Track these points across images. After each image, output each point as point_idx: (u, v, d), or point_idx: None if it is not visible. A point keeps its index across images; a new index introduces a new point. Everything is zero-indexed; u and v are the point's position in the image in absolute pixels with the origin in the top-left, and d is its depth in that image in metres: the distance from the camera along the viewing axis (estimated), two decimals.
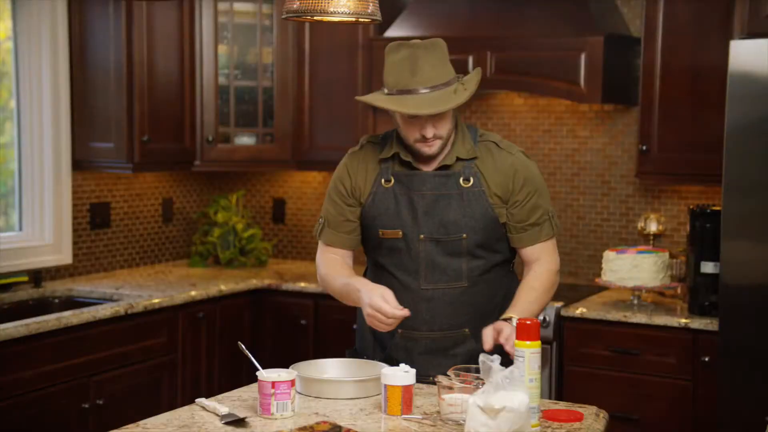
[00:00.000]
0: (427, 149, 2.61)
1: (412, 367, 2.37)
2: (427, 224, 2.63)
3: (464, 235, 2.62)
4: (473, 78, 2.61)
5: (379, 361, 2.70)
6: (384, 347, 2.76)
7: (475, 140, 2.68)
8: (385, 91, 2.58)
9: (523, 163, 2.67)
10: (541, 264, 2.69)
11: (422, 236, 2.64)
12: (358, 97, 2.68)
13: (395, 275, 2.69)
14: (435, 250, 2.64)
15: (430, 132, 2.56)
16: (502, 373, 2.12)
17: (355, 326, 2.97)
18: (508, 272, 2.76)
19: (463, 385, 2.28)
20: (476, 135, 2.70)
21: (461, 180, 2.63)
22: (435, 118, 2.55)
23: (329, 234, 2.75)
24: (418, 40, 2.57)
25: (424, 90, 2.52)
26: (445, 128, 2.59)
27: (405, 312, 2.48)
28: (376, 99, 2.59)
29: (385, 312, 2.47)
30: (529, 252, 2.70)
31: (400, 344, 2.70)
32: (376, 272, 2.77)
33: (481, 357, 2.18)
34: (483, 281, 2.68)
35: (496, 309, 2.69)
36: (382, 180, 2.67)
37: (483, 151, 2.67)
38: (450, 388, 2.27)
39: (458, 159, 2.64)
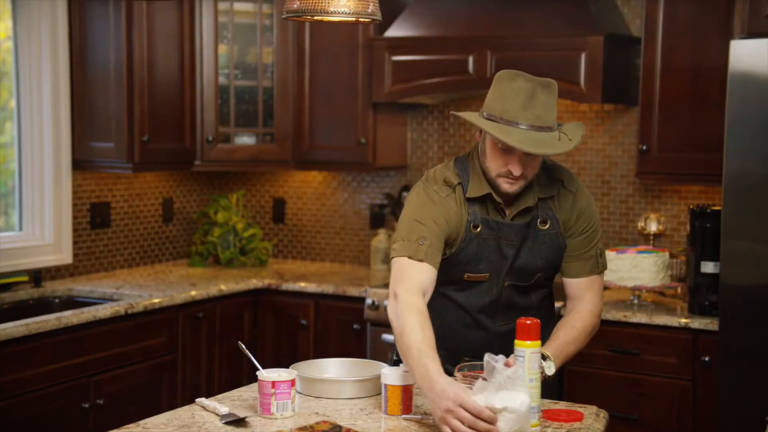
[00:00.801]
0: (508, 187, 2.51)
1: None
2: (512, 272, 2.61)
3: (539, 275, 2.65)
4: (576, 130, 2.50)
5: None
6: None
7: (549, 178, 2.61)
8: (485, 114, 2.46)
9: (584, 196, 2.65)
10: (584, 305, 2.66)
11: (507, 283, 2.62)
12: (456, 113, 2.56)
13: (470, 313, 2.65)
14: (513, 292, 2.65)
15: (518, 170, 2.46)
16: (504, 373, 2.12)
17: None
18: (551, 292, 2.80)
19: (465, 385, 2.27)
20: (550, 171, 2.63)
21: (539, 222, 2.60)
22: (528, 158, 2.46)
23: (434, 255, 2.47)
24: (536, 77, 2.45)
25: (530, 127, 2.41)
26: (533, 171, 2.51)
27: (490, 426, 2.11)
28: (480, 121, 2.46)
29: (484, 416, 2.09)
30: (574, 285, 2.67)
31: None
32: (443, 302, 2.65)
33: (486, 356, 2.17)
34: (543, 305, 2.73)
35: (548, 325, 2.66)
36: (472, 225, 2.55)
37: (556, 189, 2.63)
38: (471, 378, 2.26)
39: (539, 199, 2.59)
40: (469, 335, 2.67)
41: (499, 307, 2.65)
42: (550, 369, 2.45)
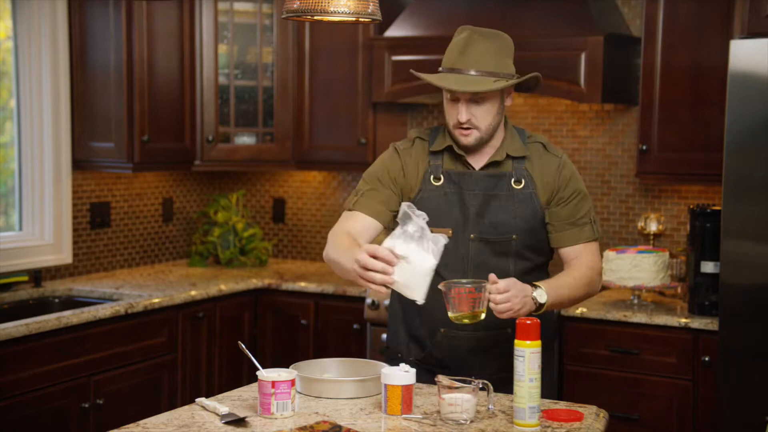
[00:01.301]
0: (463, 138, 2.62)
1: (454, 365, 2.37)
2: (478, 224, 2.64)
3: (514, 237, 2.64)
4: (524, 77, 2.62)
5: (417, 360, 2.71)
6: (423, 346, 2.73)
7: (524, 141, 2.70)
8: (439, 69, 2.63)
9: (569, 165, 2.70)
10: (581, 261, 2.66)
11: (472, 236, 2.64)
12: (412, 70, 2.71)
13: (441, 274, 2.65)
14: (484, 250, 2.64)
15: (463, 116, 2.57)
16: (418, 224, 2.21)
17: (383, 337, 2.91)
18: (545, 274, 2.75)
19: (463, 385, 2.28)
20: (525, 136, 2.72)
21: (512, 182, 2.65)
22: (474, 104, 2.57)
23: (366, 203, 2.70)
24: (483, 28, 2.61)
25: (468, 72, 2.55)
26: (484, 121, 2.60)
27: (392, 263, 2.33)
28: (423, 74, 2.63)
29: (380, 254, 2.32)
30: (568, 251, 2.68)
31: (444, 343, 2.69)
32: None
33: (403, 205, 2.31)
34: (526, 282, 2.65)
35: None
36: (431, 177, 2.67)
37: (532, 151, 2.69)
38: (450, 388, 2.27)
39: (508, 156, 2.66)
40: (440, 300, 2.59)
41: (468, 264, 2.64)
42: (541, 296, 2.47)
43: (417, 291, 2.31)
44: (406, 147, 2.72)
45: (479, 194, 2.64)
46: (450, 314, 2.43)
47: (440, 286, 2.42)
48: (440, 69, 2.62)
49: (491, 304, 2.41)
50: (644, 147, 3.98)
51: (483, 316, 2.43)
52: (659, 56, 3.92)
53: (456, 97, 2.58)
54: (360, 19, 2.37)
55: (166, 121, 4.45)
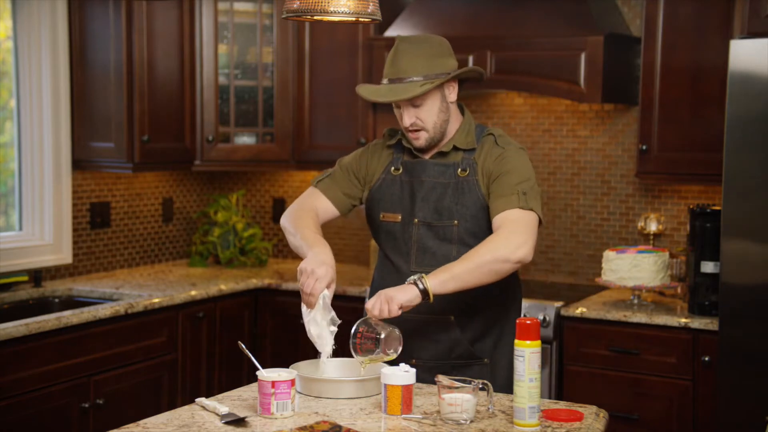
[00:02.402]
0: (415, 141, 2.74)
1: None
2: (422, 209, 2.73)
3: (455, 222, 2.70)
4: (452, 74, 2.70)
5: None
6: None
7: (479, 135, 2.77)
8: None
9: (511, 150, 2.71)
10: (492, 237, 2.57)
11: (416, 220, 2.73)
12: (358, 86, 2.78)
13: (390, 258, 2.79)
14: (427, 235, 2.72)
15: (407, 120, 2.69)
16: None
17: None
18: None
19: (463, 385, 2.28)
20: (482, 131, 2.79)
21: (459, 170, 2.73)
22: (414, 108, 2.68)
23: (329, 184, 2.85)
24: (414, 35, 2.72)
25: (400, 80, 2.66)
26: (427, 119, 2.70)
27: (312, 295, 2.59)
28: (363, 88, 2.75)
29: (302, 282, 2.57)
30: (495, 223, 2.62)
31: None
32: (380, 258, 2.87)
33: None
34: None
35: (491, 302, 2.72)
36: (392, 168, 2.80)
37: (483, 143, 2.76)
38: (450, 388, 2.27)
39: (455, 147, 2.74)
40: (390, 283, 2.63)
41: (411, 249, 2.72)
42: (420, 281, 2.47)
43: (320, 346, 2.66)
44: (377, 142, 2.89)
45: (427, 180, 2.73)
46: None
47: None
48: (382, 80, 2.72)
49: (368, 314, 2.52)
50: (644, 147, 3.98)
51: (393, 355, 2.50)
52: (659, 56, 3.92)
53: (398, 104, 2.70)
54: (360, 19, 2.37)
55: (166, 121, 4.45)
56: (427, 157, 2.77)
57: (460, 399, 2.26)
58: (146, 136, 4.32)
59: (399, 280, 2.65)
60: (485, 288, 2.59)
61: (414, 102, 2.67)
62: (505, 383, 2.69)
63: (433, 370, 2.62)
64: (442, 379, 2.31)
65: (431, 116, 2.70)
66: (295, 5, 2.34)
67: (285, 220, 2.80)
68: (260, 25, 4.67)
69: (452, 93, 2.74)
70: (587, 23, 4.00)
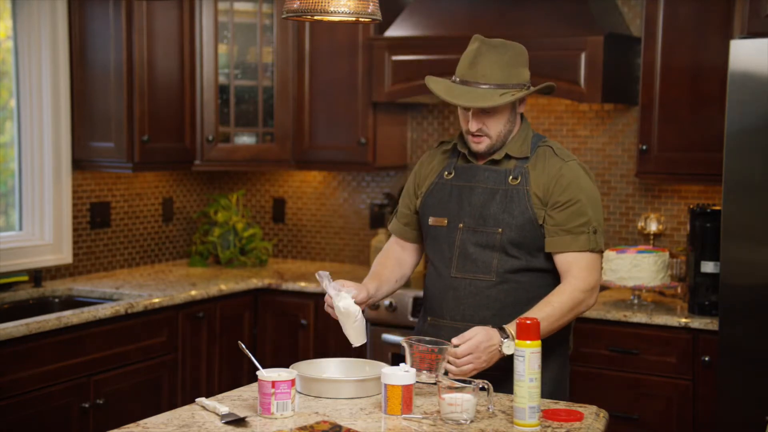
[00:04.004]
0: (474, 145, 2.69)
1: None
2: (468, 214, 2.69)
3: (500, 230, 2.64)
4: (532, 89, 2.65)
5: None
6: (417, 333, 2.78)
7: (535, 145, 2.72)
8: (453, 78, 2.69)
9: (573, 169, 2.66)
10: (569, 280, 2.60)
11: (461, 225, 2.69)
12: (427, 78, 2.72)
13: (434, 263, 2.76)
14: (470, 240, 2.68)
15: (473, 126, 2.64)
16: (329, 287, 2.59)
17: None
18: (550, 282, 2.68)
19: (464, 385, 2.28)
20: (538, 140, 2.74)
21: (510, 178, 2.68)
22: (484, 115, 2.63)
23: (394, 224, 2.91)
24: (497, 39, 2.65)
25: (476, 85, 2.61)
26: (495, 128, 2.65)
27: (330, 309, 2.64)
28: (436, 82, 2.68)
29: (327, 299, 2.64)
30: (560, 261, 2.63)
31: (429, 332, 2.72)
32: (428, 266, 2.86)
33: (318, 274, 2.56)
34: (514, 281, 2.65)
35: (526, 305, 2.65)
36: (445, 173, 2.77)
37: (538, 154, 2.70)
38: (450, 388, 2.27)
39: (508, 156, 2.69)
40: (432, 288, 2.72)
41: (454, 254, 2.69)
42: (509, 348, 2.45)
43: (349, 336, 2.67)
44: (431, 151, 2.87)
45: (477, 186, 2.69)
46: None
47: (402, 342, 2.45)
48: (454, 78, 2.67)
49: (450, 367, 2.42)
50: (644, 147, 3.98)
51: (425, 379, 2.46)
52: (659, 56, 3.92)
53: (467, 107, 2.63)
54: (360, 19, 2.37)
55: (166, 121, 4.45)
56: (480, 162, 2.73)
57: (460, 399, 2.26)
58: (146, 136, 4.32)
59: (441, 285, 2.69)
60: (522, 298, 2.66)
61: (486, 109, 2.62)
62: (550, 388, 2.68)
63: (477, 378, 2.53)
64: (442, 379, 2.31)
65: (499, 125, 2.66)
66: (295, 5, 2.34)
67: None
68: (260, 25, 4.67)
69: (522, 105, 2.71)
70: (587, 23, 4.00)
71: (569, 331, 2.79)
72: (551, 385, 2.68)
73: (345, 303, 2.59)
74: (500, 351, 2.45)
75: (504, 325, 2.49)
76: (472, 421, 2.27)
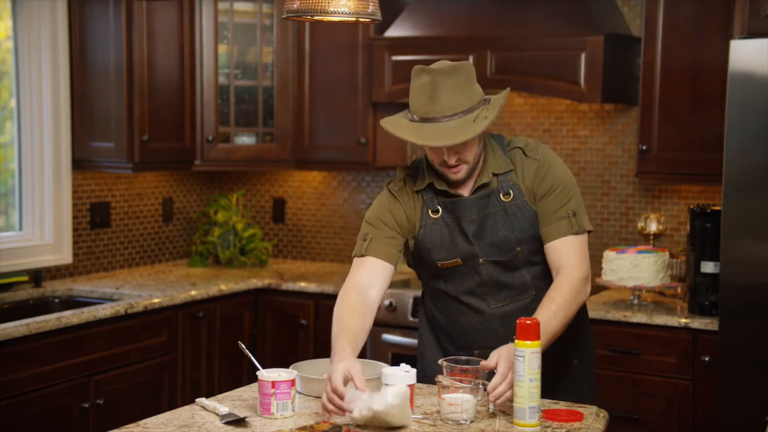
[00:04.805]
0: (453, 175, 2.58)
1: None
2: (482, 247, 2.60)
3: (519, 249, 2.60)
4: (498, 102, 2.54)
5: None
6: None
7: (504, 151, 2.65)
8: (409, 115, 2.55)
9: (546, 162, 2.62)
10: (563, 273, 2.57)
11: (482, 260, 2.61)
12: (383, 122, 2.58)
13: (462, 300, 2.66)
14: (496, 270, 2.62)
15: (452, 159, 2.53)
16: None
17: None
18: None
19: (462, 385, 2.28)
20: (504, 145, 2.66)
21: (501, 195, 2.60)
22: (459, 145, 2.50)
23: (377, 247, 2.63)
24: (442, 64, 2.51)
25: (444, 119, 2.47)
26: (471, 153, 2.55)
27: (340, 412, 2.27)
28: (398, 127, 2.54)
29: (326, 400, 2.28)
30: (552, 251, 2.59)
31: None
32: (437, 297, 2.73)
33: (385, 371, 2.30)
34: (547, 285, 2.62)
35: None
36: (429, 211, 2.63)
37: (514, 160, 2.64)
38: (450, 388, 2.27)
39: (494, 175, 2.61)
40: (467, 323, 2.65)
41: (486, 288, 2.63)
42: None
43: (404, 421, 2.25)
44: (399, 188, 2.67)
45: (475, 218, 2.60)
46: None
47: (440, 362, 2.38)
48: (413, 117, 2.52)
49: (490, 396, 2.30)
50: (644, 147, 3.98)
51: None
52: (659, 56, 3.92)
53: (451, 146, 2.49)
54: (360, 19, 2.37)
55: (166, 121, 4.45)
56: (466, 193, 2.61)
57: (460, 399, 2.25)
58: (146, 136, 4.32)
59: (480, 318, 2.64)
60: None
61: None
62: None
63: None
64: (441, 379, 2.30)
65: (473, 148, 2.55)
66: (295, 5, 2.34)
67: (335, 311, 2.59)
68: (260, 25, 4.67)
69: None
70: (587, 23, 4.00)
71: (591, 339, 2.80)
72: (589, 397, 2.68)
73: (394, 390, 2.22)
74: None
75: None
76: (472, 421, 2.27)
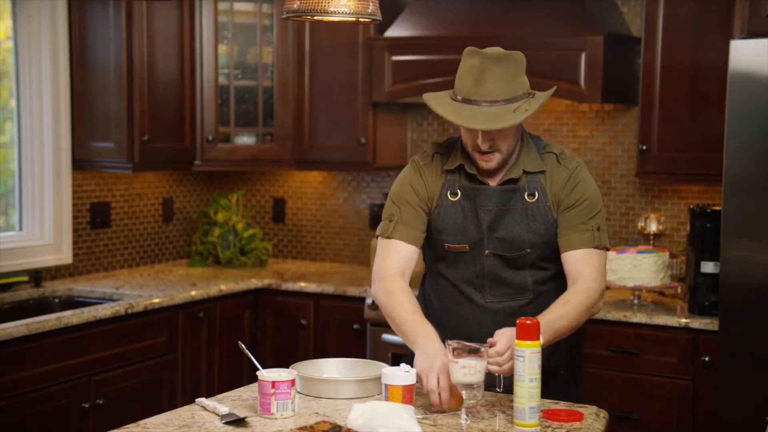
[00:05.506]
0: (484, 163, 2.58)
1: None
2: (491, 240, 2.60)
3: (528, 250, 2.60)
4: (541, 97, 2.55)
5: None
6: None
7: (539, 151, 2.64)
8: (452, 93, 2.57)
9: (579, 175, 2.62)
10: (582, 281, 2.56)
11: (488, 252, 2.61)
12: (425, 96, 2.59)
13: (459, 288, 2.66)
14: (499, 265, 2.61)
15: (485, 145, 2.53)
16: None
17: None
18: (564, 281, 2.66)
19: (472, 345, 2.28)
20: (540, 146, 2.66)
21: (526, 195, 2.60)
22: (495, 132, 2.51)
23: (404, 230, 2.63)
24: (494, 50, 2.52)
25: (485, 103, 2.49)
26: (505, 144, 2.55)
27: (443, 407, 2.35)
28: (440, 104, 2.56)
29: (432, 399, 2.35)
30: (571, 260, 2.59)
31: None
32: (437, 282, 2.73)
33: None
34: (547, 291, 2.64)
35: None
36: (449, 193, 2.63)
37: (546, 163, 2.63)
38: (464, 352, 2.26)
39: (525, 172, 2.61)
40: (459, 312, 2.64)
41: (485, 280, 2.62)
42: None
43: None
44: (425, 162, 2.68)
45: (493, 209, 2.60)
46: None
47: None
48: (456, 96, 2.54)
49: (493, 368, 2.32)
50: (644, 147, 3.98)
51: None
52: (659, 56, 3.92)
53: (488, 130, 2.50)
54: (360, 19, 2.37)
55: (166, 121, 4.45)
56: (493, 183, 2.61)
57: (473, 362, 2.25)
58: (146, 136, 4.32)
59: (472, 309, 2.64)
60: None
61: None
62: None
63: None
64: (452, 342, 2.29)
65: (509, 140, 2.55)
66: (295, 5, 2.34)
67: (380, 297, 2.61)
68: (260, 25, 4.67)
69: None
70: (587, 23, 4.00)
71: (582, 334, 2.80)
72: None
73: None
74: None
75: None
76: (471, 421, 2.27)
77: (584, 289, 2.55)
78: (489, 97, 2.49)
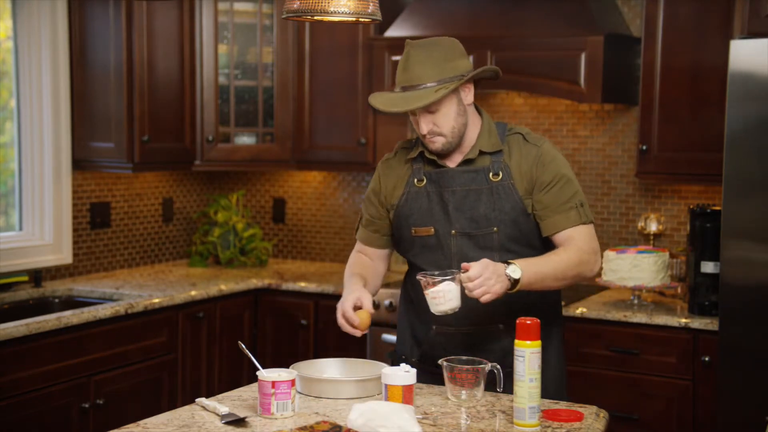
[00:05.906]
0: (431, 145, 2.67)
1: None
2: (458, 219, 2.66)
3: (495, 229, 2.64)
4: (466, 76, 2.62)
5: (417, 358, 2.75)
6: (420, 344, 2.77)
7: (503, 135, 2.71)
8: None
9: (549, 151, 2.68)
10: (572, 243, 2.62)
11: (454, 231, 2.66)
12: (371, 96, 2.70)
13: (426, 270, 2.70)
14: (467, 245, 2.66)
15: (423, 128, 2.63)
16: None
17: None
18: None
19: (439, 278, 2.40)
20: (504, 130, 2.73)
21: (491, 175, 2.66)
22: (430, 114, 2.62)
23: (362, 232, 2.86)
24: (424, 39, 2.65)
25: (415, 88, 2.59)
26: (445, 124, 2.63)
27: (356, 332, 2.59)
28: (375, 95, 2.68)
29: (340, 323, 2.60)
30: (559, 238, 2.64)
31: (436, 340, 2.72)
32: (411, 273, 2.80)
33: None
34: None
35: (532, 306, 2.66)
36: (415, 180, 2.73)
37: (511, 144, 2.70)
38: (431, 283, 2.39)
39: (481, 152, 2.68)
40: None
41: (452, 260, 2.65)
42: (515, 272, 2.45)
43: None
44: (388, 158, 2.83)
45: (458, 190, 2.67)
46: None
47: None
48: (395, 89, 2.66)
49: (466, 292, 2.42)
50: (644, 147, 3.98)
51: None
52: (659, 56, 3.92)
53: (413, 111, 2.63)
54: (360, 19, 2.37)
55: (166, 121, 4.45)
56: (452, 165, 2.70)
57: (441, 291, 2.35)
58: (146, 136, 4.32)
59: None
60: (526, 292, 2.56)
61: (430, 108, 2.60)
62: (553, 386, 2.70)
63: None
64: (421, 276, 2.43)
65: (449, 121, 2.63)
66: (295, 5, 2.34)
67: (346, 270, 2.87)
68: (260, 25, 4.67)
69: (468, 95, 2.67)
70: (587, 23, 4.00)
71: (562, 323, 2.85)
72: (553, 383, 2.70)
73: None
74: (507, 275, 2.44)
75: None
76: (471, 421, 2.27)
77: (574, 248, 2.61)
78: (416, 81, 2.59)
